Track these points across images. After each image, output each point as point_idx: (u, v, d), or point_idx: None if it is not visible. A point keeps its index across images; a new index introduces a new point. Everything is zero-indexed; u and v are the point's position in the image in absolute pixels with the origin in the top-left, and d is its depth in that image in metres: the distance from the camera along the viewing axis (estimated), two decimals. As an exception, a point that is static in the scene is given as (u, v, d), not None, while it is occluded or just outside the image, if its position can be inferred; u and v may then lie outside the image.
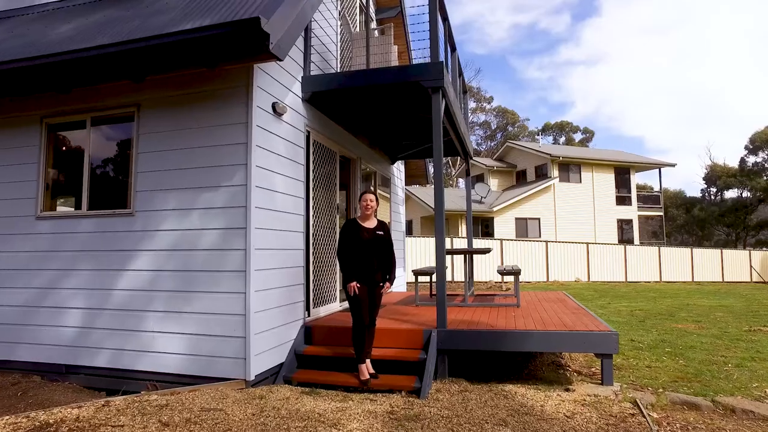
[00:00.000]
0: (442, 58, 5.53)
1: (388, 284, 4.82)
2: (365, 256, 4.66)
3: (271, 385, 4.66)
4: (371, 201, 4.78)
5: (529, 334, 4.87)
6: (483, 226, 25.14)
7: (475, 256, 15.88)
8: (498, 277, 20.40)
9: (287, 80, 5.30)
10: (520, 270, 6.76)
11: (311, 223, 5.82)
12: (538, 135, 54.18)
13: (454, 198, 26.10)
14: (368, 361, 4.75)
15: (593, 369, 5.86)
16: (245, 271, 4.39)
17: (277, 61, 4.27)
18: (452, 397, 4.41)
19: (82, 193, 5.10)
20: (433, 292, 8.57)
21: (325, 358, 5.09)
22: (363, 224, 4.78)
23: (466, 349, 5.02)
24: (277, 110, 4.94)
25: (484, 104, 52.36)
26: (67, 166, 5.36)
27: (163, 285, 4.63)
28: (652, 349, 6.80)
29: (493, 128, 53.88)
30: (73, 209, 5.18)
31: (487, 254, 20.35)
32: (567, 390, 4.66)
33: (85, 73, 4.56)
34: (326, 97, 6.02)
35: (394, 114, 7.11)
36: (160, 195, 4.73)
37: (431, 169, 12.46)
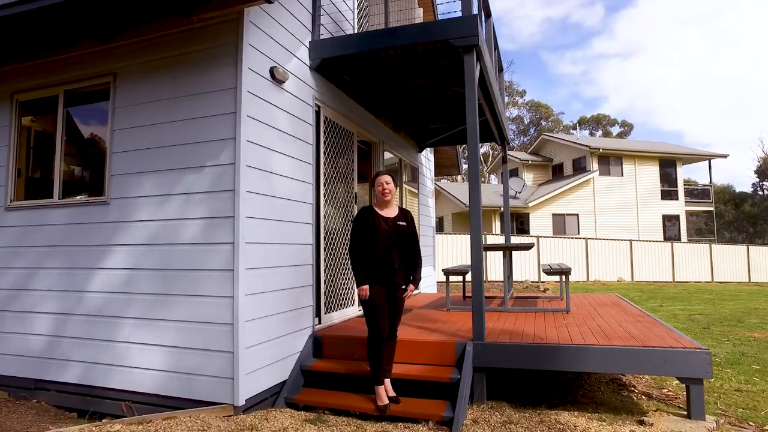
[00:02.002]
0: (475, 11, 4.57)
1: (412, 287, 3.89)
2: (384, 251, 3.75)
3: (269, 409, 3.81)
4: (387, 183, 3.86)
5: (589, 350, 3.85)
6: (518, 223, 23.83)
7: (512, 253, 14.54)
8: (534, 276, 19.13)
9: (290, 43, 4.44)
10: (570, 269, 5.72)
11: (323, 213, 4.95)
12: (574, 129, 52.02)
13: (488, 193, 24.87)
14: (387, 381, 3.84)
15: (666, 390, 4.78)
16: (233, 269, 3.55)
17: (267, 4, 3.40)
18: (493, 431, 3.45)
19: (54, 180, 4.38)
20: (467, 294, 7.59)
21: (337, 375, 4.21)
22: (380, 212, 3.87)
23: (509, 368, 4.05)
24: (276, 76, 4.09)
25: (517, 98, 50.59)
26: (38, 149, 4.67)
27: (140, 286, 3.85)
28: (735, 366, 5.64)
29: (526, 123, 52.04)
30: (44, 198, 4.45)
31: (526, 251, 19.06)
32: (641, 423, 3.62)
33: (44, 29, 3.83)
34: (338, 65, 5.14)
35: (420, 89, 6.17)
36: (137, 179, 3.95)
37: (464, 161, 11.46)
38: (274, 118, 4.09)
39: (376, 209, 3.89)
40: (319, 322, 4.82)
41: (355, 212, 5.82)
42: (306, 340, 4.47)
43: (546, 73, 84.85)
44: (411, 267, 3.90)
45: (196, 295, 3.65)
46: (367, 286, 3.68)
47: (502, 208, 23.20)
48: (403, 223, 3.89)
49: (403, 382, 3.96)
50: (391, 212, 3.91)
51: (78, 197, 4.29)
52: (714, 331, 8.40)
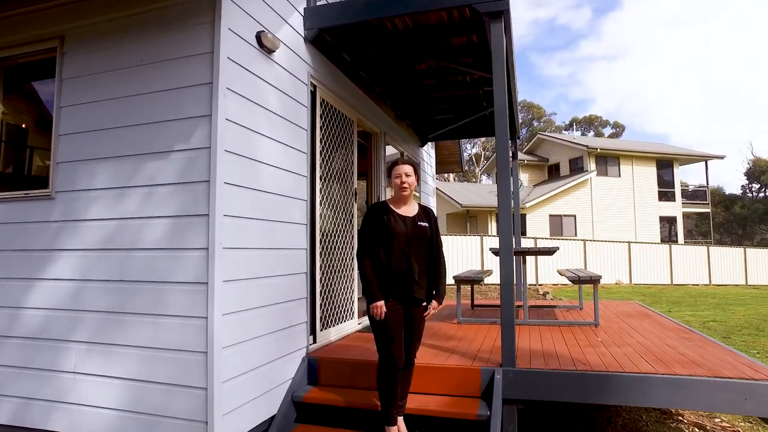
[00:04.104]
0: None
1: (435, 303, 3.15)
2: (401, 258, 3.01)
3: (254, 456, 3.05)
4: (407, 175, 3.11)
5: (649, 380, 3.13)
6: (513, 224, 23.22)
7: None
8: (530, 279, 18.49)
9: (282, 7, 3.68)
10: (600, 277, 5.02)
11: (318, 212, 4.19)
12: (566, 130, 51.79)
13: (483, 193, 24.29)
14: (401, 419, 3.10)
15: (720, 421, 4.10)
16: (206, 282, 2.78)
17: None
18: (539, 488, 2.73)
19: (-12, 168, 3.58)
20: (476, 303, 6.89)
21: (336, 408, 3.45)
22: (396, 210, 3.12)
23: (548, 401, 3.33)
24: (264, 43, 3.33)
25: (509, 98, 50.10)
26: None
27: (91, 302, 3.05)
28: (786, 387, 4.98)
29: (518, 123, 51.64)
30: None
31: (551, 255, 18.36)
32: (717, 472, 2.93)
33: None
34: (337, 38, 4.41)
35: (429, 72, 5.45)
36: (89, 167, 3.16)
37: (466, 159, 10.76)
38: (261, 95, 3.33)
39: (391, 206, 3.15)
40: (314, 341, 4.06)
41: (355, 210, 5.08)
42: (298, 365, 3.71)
43: (534, 74, 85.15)
44: (433, 279, 3.15)
45: (160, 314, 2.86)
46: (381, 303, 2.93)
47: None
48: (425, 224, 3.15)
49: (418, 419, 3.23)
50: (410, 210, 3.17)
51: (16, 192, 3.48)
52: (737, 342, 7.79)
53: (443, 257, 3.24)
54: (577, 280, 5.03)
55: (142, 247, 2.93)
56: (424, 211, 3.20)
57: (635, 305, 6.77)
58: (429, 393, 3.46)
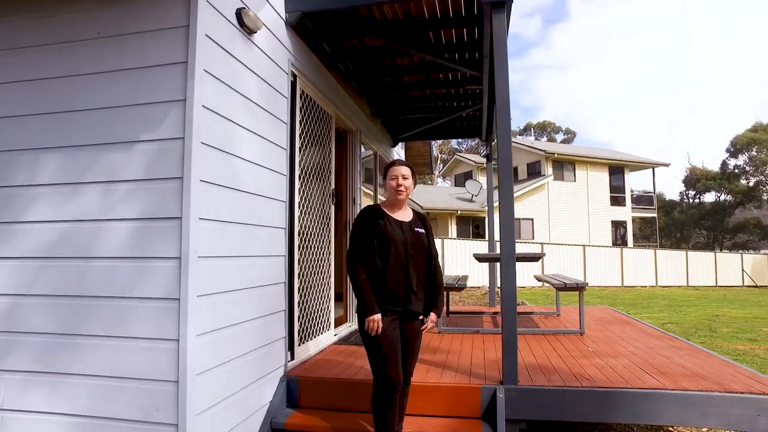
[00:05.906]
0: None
1: (433, 316, 2.84)
2: (397, 267, 2.68)
3: (230, 497, 2.63)
4: (404, 177, 2.80)
5: (659, 396, 2.96)
6: (473, 227, 23.38)
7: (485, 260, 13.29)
8: (486, 283, 18.64)
9: (262, -16, 3.27)
10: (586, 284, 4.89)
11: (297, 214, 3.80)
12: (521, 135, 53.16)
13: (443, 196, 24.33)
14: (398, 447, 2.77)
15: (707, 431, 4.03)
16: (178, 298, 2.34)
17: None
18: None
19: None
20: (451, 310, 6.66)
21: (321, 435, 3.08)
22: (391, 215, 2.80)
23: (554, 420, 3.10)
24: (244, 22, 2.91)
25: (465, 102, 50.86)
26: None
27: (31, 322, 2.54)
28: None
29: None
30: None
31: (534, 261, 18.42)
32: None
33: None
34: (320, 24, 4.05)
35: (411, 67, 5.17)
36: (30, 158, 2.64)
37: (439, 161, 10.57)
38: (241, 81, 2.91)
39: (385, 209, 2.82)
40: (292, 357, 3.66)
41: (332, 213, 4.71)
42: (277, 386, 3.30)
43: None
44: (431, 290, 2.85)
45: (121, 336, 2.40)
46: (378, 316, 2.60)
47: (459, 212, 22.71)
48: (422, 230, 2.84)
49: (415, 446, 2.91)
50: (405, 215, 2.85)
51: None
52: (696, 343, 7.98)
53: (439, 266, 2.94)
54: (563, 288, 4.88)
55: (98, 255, 2.45)
56: (419, 217, 2.90)
57: (609, 310, 6.76)
58: (426, 415, 3.15)
